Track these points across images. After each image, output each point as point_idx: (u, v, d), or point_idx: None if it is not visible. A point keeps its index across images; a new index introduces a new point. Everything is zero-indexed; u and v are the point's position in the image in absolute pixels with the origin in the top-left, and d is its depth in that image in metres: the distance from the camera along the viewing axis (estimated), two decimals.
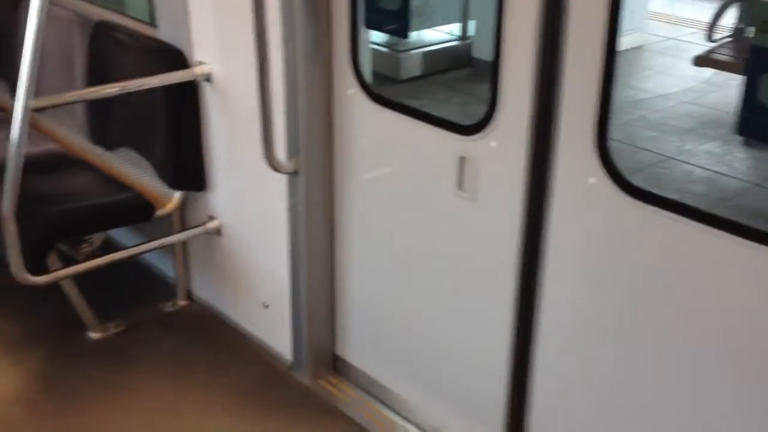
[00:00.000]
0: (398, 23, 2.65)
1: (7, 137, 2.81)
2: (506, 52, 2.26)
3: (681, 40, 6.62)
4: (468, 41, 5.56)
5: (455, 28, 5.56)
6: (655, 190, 2.09)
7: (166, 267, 3.67)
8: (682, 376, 2.14)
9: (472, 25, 5.54)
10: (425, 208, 2.66)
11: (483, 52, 5.27)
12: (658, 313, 2.15)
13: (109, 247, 3.33)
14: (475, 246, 2.54)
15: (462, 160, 2.47)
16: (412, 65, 5.21)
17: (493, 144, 2.37)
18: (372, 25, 2.67)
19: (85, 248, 3.12)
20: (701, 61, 5.34)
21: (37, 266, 2.97)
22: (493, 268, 2.49)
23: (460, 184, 2.50)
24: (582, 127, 2.14)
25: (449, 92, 5.23)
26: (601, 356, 2.31)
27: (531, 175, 2.30)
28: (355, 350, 3.12)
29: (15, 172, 2.76)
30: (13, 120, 2.76)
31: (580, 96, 2.12)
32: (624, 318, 2.23)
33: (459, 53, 5.54)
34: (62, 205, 3.13)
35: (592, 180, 2.16)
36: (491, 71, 2.32)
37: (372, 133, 2.75)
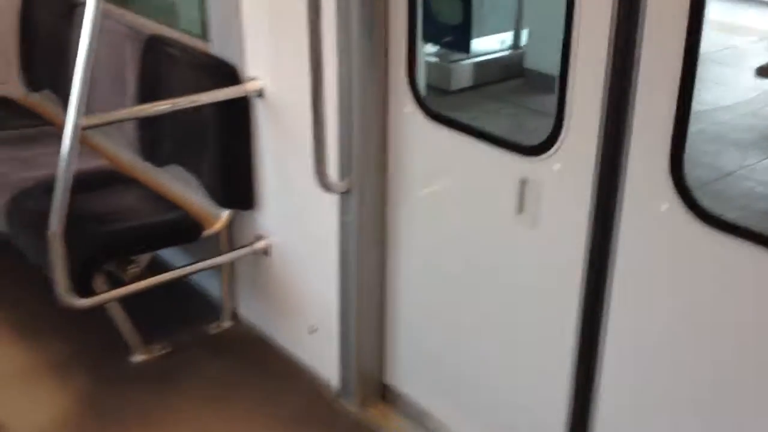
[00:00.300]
0: (459, 38, 2.55)
1: (56, 153, 2.77)
2: (575, 67, 2.13)
3: (741, 49, 6.40)
4: (520, 51, 5.42)
5: (507, 38, 5.43)
6: (729, 216, 1.95)
7: (211, 286, 3.60)
8: (758, 412, 2.00)
9: (524, 34, 5.42)
10: (482, 232, 2.54)
11: (536, 62, 5.14)
12: (732, 347, 2.01)
13: (156, 266, 3.27)
14: (534, 273, 2.42)
15: (523, 183, 2.34)
16: (462, 76, 5.09)
17: (557, 166, 2.25)
18: (432, 40, 2.57)
19: (133, 269, 3.06)
20: (765, 71, 5.14)
21: (83, 288, 2.92)
22: (554, 298, 2.36)
23: (521, 208, 2.37)
24: (655, 150, 2.00)
25: (500, 104, 5.11)
26: (668, 390, 2.17)
27: (597, 201, 2.16)
28: (405, 379, 3.01)
29: (64, 192, 2.71)
30: (63, 137, 2.71)
31: (654, 115, 1.98)
32: (696, 352, 2.09)
33: (511, 63, 5.40)
34: (110, 225, 3.08)
35: (664, 206, 2.02)
36: (558, 88, 2.19)
37: (428, 152, 2.64)
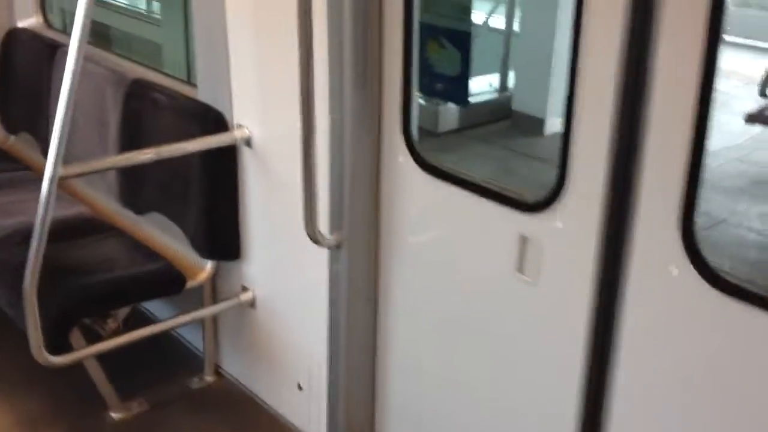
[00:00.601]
0: (456, 89, 2.46)
1: (33, 199, 2.64)
2: (578, 118, 2.03)
3: (727, 94, 6.41)
4: (507, 93, 5.40)
5: (493, 80, 5.41)
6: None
7: (193, 338, 3.46)
8: None
9: (511, 77, 5.40)
10: (479, 288, 2.44)
11: (523, 104, 5.10)
12: (744, 413, 1.92)
13: (136, 314, 3.14)
14: (535, 333, 2.31)
15: (523, 240, 2.25)
16: (450, 118, 5.04)
17: (559, 224, 2.16)
18: (427, 92, 2.49)
19: (111, 324, 2.92)
20: (754, 118, 5.12)
21: (58, 343, 2.77)
22: (556, 359, 2.26)
23: (520, 266, 2.28)
24: (664, 209, 1.91)
25: (488, 146, 5.06)
26: None
27: (602, 262, 2.07)
28: None
29: (39, 244, 2.58)
30: (42, 188, 2.59)
31: (664, 173, 1.89)
32: (705, 417, 1.99)
33: (498, 106, 5.37)
34: (88, 278, 2.94)
35: (674, 270, 1.93)
36: (561, 141, 2.09)
37: (422, 204, 2.55)
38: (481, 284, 2.43)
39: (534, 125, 5.00)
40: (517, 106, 5.27)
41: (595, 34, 1.95)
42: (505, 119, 5.32)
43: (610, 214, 2.02)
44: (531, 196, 2.26)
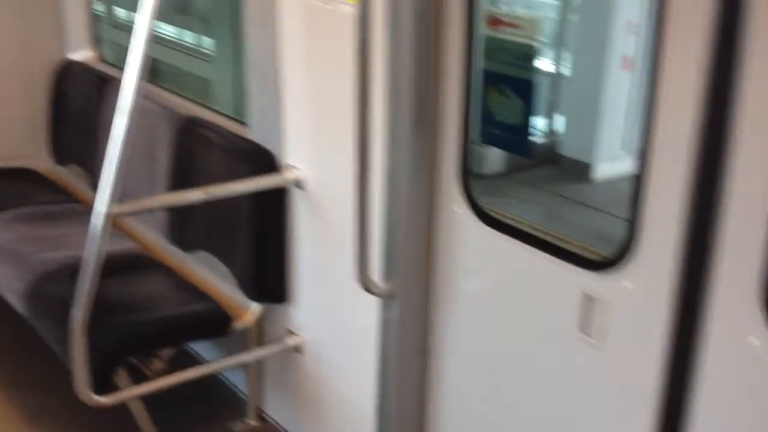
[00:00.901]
0: (518, 140, 2.40)
1: (82, 233, 2.62)
2: (653, 169, 1.91)
3: None
4: (555, 137, 5.32)
5: (540, 122, 5.35)
6: None
7: (237, 380, 3.40)
8: None
9: (557, 120, 5.33)
10: (538, 345, 2.35)
11: (572, 149, 5.02)
12: None
13: (179, 355, 3.09)
14: (599, 397, 2.21)
15: (587, 299, 2.16)
16: (495, 161, 4.98)
17: (628, 285, 2.06)
18: (487, 140, 2.43)
19: (157, 364, 2.87)
20: None
21: (103, 382, 2.73)
22: (621, 427, 2.15)
23: (584, 327, 2.18)
24: (744, 274, 1.79)
25: (534, 191, 4.97)
26: None
27: (675, 327, 1.96)
28: None
29: (90, 282, 2.55)
30: (91, 224, 2.57)
31: (745, 232, 1.77)
32: None
33: (543, 150, 5.30)
34: (135, 316, 2.91)
35: (754, 341, 1.83)
36: (632, 193, 1.98)
37: (479, 256, 2.47)
38: (541, 341, 2.34)
39: (581, 170, 4.92)
40: (563, 150, 5.19)
41: (674, 80, 1.85)
42: (551, 163, 5.25)
43: (684, 276, 1.92)
44: (589, 247, 2.17)
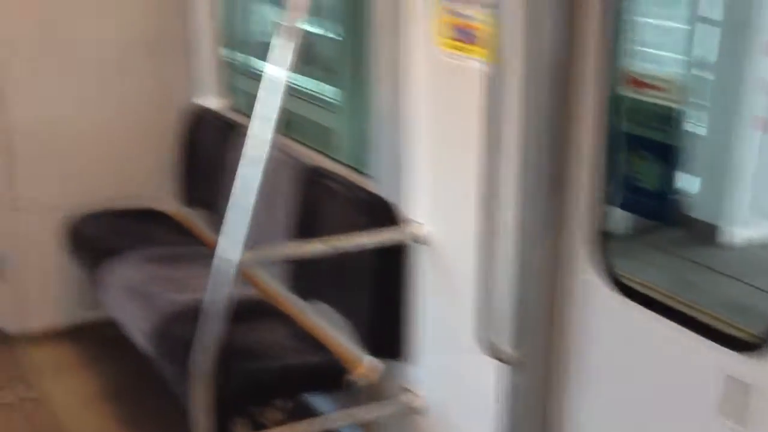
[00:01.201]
0: (657, 205, 2.28)
1: (207, 275, 2.65)
2: None
3: None
4: (684, 198, 5.10)
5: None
6: None
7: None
8: None
9: (687, 180, 5.10)
10: (672, 427, 2.20)
11: (705, 212, 4.81)
12: None
13: (295, 409, 3.06)
14: None
15: (730, 381, 2.01)
16: (618, 221, 4.79)
17: None
18: (627, 207, 2.33)
19: (274, 414, 2.86)
20: None
21: (221, 429, 2.74)
22: None
23: (725, 410, 2.03)
24: None
25: (659, 253, 4.76)
26: None
27: None
28: None
29: (215, 327, 2.57)
30: (214, 268, 2.58)
31: None
32: None
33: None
34: (256, 363, 2.92)
35: None
36: None
37: (610, 327, 2.35)
38: (675, 423, 2.19)
39: (710, 233, 4.69)
40: (696, 213, 4.97)
41: None
42: (677, 225, 5.02)
43: None
44: (733, 322, 2.02)
